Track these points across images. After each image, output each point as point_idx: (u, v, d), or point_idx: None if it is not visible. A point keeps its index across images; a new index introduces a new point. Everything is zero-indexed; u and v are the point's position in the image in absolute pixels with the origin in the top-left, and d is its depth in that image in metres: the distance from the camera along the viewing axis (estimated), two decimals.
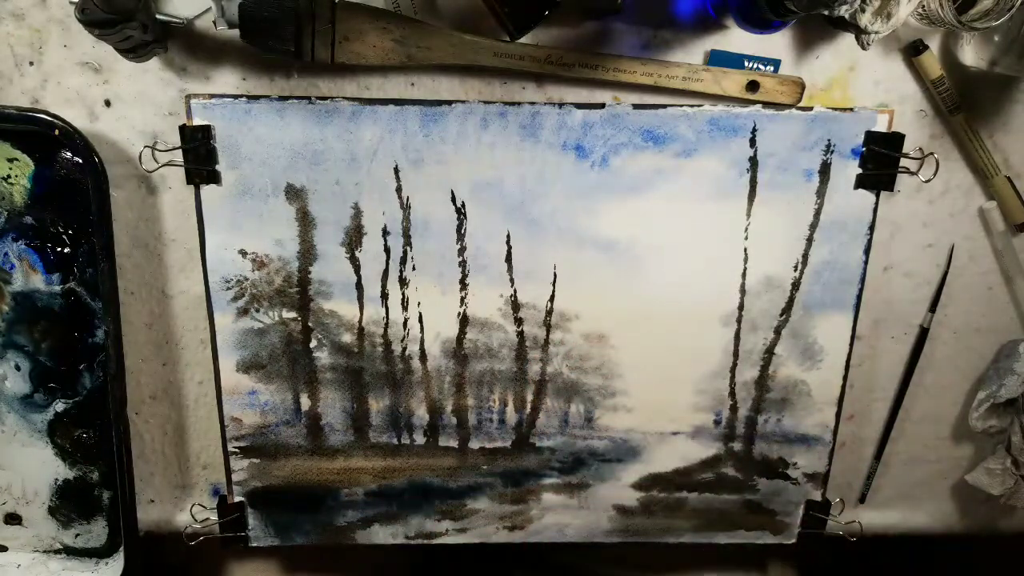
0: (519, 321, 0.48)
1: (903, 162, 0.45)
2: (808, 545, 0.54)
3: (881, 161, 0.45)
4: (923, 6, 0.40)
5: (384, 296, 0.47)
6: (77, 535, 0.51)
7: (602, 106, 0.44)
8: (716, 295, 0.48)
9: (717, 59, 0.44)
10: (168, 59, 0.42)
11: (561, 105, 0.44)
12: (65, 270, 0.46)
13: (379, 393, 0.49)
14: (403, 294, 0.47)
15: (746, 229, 0.46)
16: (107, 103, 0.43)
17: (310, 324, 0.47)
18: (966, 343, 0.52)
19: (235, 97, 0.42)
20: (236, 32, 0.39)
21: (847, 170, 0.45)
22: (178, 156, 0.43)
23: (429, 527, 0.52)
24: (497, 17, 0.37)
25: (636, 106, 0.44)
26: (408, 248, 0.46)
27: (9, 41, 0.42)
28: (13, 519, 0.51)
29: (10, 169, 0.44)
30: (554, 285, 0.47)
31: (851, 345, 0.49)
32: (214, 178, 0.43)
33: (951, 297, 0.50)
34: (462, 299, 0.47)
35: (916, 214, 0.49)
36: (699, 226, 0.46)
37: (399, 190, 0.45)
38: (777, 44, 0.44)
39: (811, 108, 0.44)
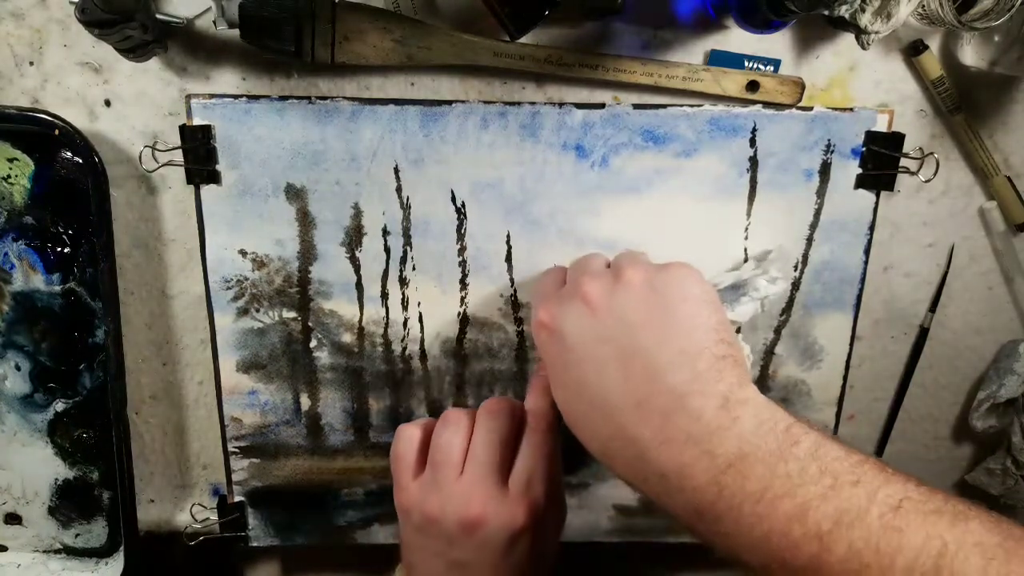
0: (519, 321, 0.48)
1: (903, 162, 0.45)
2: None
3: (881, 161, 0.45)
4: (923, 6, 0.40)
5: (384, 296, 0.47)
6: (77, 535, 0.51)
7: (602, 106, 0.44)
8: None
9: (717, 59, 0.44)
10: (168, 59, 0.42)
11: (561, 105, 0.44)
12: (65, 270, 0.46)
13: (379, 393, 0.49)
14: (403, 294, 0.47)
15: (746, 229, 0.46)
16: (107, 103, 0.43)
17: (310, 324, 0.47)
18: (966, 343, 0.52)
19: (235, 97, 0.42)
20: (236, 32, 0.39)
21: (847, 170, 0.45)
22: (178, 156, 0.43)
23: None
24: (497, 17, 0.37)
25: (636, 106, 0.44)
26: (408, 248, 0.46)
27: (9, 41, 0.42)
28: (13, 519, 0.51)
29: (10, 169, 0.44)
30: None
31: (851, 345, 0.49)
32: (214, 178, 0.43)
33: (951, 297, 0.51)
34: (462, 299, 0.47)
35: (916, 214, 0.49)
36: (699, 226, 0.46)
37: (399, 190, 0.45)
38: (777, 44, 0.44)
39: (811, 108, 0.44)
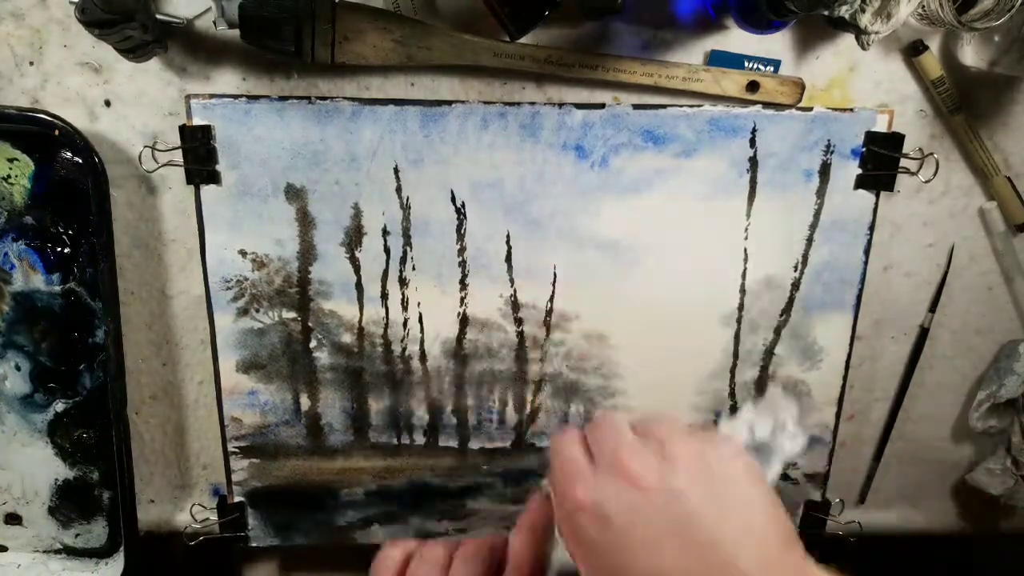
0: (519, 321, 0.48)
1: (903, 162, 0.45)
2: (808, 545, 0.54)
3: (881, 161, 0.45)
4: (923, 6, 0.40)
5: (384, 296, 0.47)
6: (77, 535, 0.51)
7: (602, 106, 0.44)
8: (716, 295, 0.48)
9: (717, 59, 0.44)
10: (168, 59, 0.42)
11: (561, 105, 0.44)
12: (65, 270, 0.46)
13: (379, 393, 0.49)
14: (403, 294, 0.47)
15: (746, 229, 0.46)
16: (107, 103, 0.43)
17: (310, 324, 0.47)
18: (966, 343, 0.52)
19: (235, 97, 0.42)
20: (236, 32, 0.39)
21: (847, 170, 0.45)
22: (178, 156, 0.43)
23: (429, 527, 0.52)
24: (497, 17, 0.37)
25: (636, 106, 0.44)
26: (408, 248, 0.46)
27: (9, 41, 0.42)
28: (13, 519, 0.51)
29: (10, 169, 0.44)
30: (554, 285, 0.47)
31: (851, 345, 0.49)
32: (214, 178, 0.43)
33: (951, 297, 0.50)
34: (462, 299, 0.47)
35: (916, 214, 0.49)
36: (699, 226, 0.46)
37: (399, 190, 0.45)
38: (777, 44, 0.44)
39: (811, 108, 0.44)
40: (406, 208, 0.45)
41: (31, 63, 0.42)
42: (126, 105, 0.43)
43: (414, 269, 0.46)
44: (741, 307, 0.48)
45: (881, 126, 0.45)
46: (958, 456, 0.55)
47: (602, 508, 0.32)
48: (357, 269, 0.46)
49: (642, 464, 0.32)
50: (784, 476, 0.52)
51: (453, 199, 0.45)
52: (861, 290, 0.48)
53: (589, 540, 0.33)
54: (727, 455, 0.33)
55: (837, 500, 0.53)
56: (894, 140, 0.45)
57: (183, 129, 0.43)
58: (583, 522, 0.33)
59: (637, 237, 0.46)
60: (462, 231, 0.46)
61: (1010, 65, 0.44)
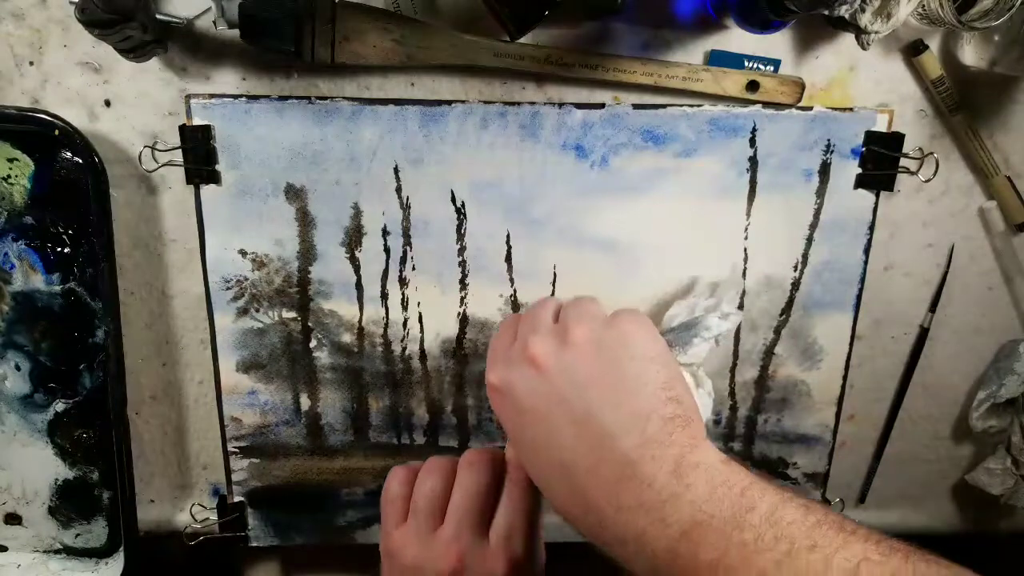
0: None
1: (903, 162, 0.46)
2: None
3: (881, 161, 0.45)
4: (923, 6, 0.40)
5: (384, 296, 0.47)
6: (77, 535, 0.51)
7: (602, 106, 0.44)
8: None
9: (717, 59, 0.44)
10: (168, 59, 0.42)
11: (561, 105, 0.44)
12: (65, 270, 0.46)
13: (379, 393, 0.49)
14: (403, 294, 0.47)
15: (746, 229, 0.46)
16: (107, 103, 0.43)
17: (310, 324, 0.47)
18: (966, 343, 0.52)
19: (235, 97, 0.42)
20: (236, 32, 0.39)
21: (847, 170, 0.45)
22: (178, 156, 0.43)
23: None
24: (497, 17, 0.37)
25: (636, 106, 0.44)
26: (408, 248, 0.46)
27: (9, 41, 0.42)
28: (13, 519, 0.51)
29: (10, 169, 0.44)
30: (554, 285, 0.47)
31: (851, 345, 0.49)
32: (214, 178, 0.44)
33: (951, 297, 0.50)
34: (462, 299, 0.47)
35: (916, 214, 0.49)
36: (699, 226, 0.46)
37: (399, 190, 0.45)
38: (777, 44, 0.44)
39: (811, 108, 0.44)
40: (406, 208, 0.45)
41: (31, 63, 0.42)
42: (126, 105, 0.43)
43: (414, 269, 0.46)
44: (741, 307, 0.48)
45: (881, 126, 0.45)
46: (958, 456, 0.55)
47: (509, 389, 0.36)
48: (357, 269, 0.46)
49: (544, 349, 0.35)
50: (784, 476, 0.52)
51: (453, 199, 0.45)
52: (861, 290, 0.48)
53: (504, 416, 0.37)
54: (624, 336, 0.34)
55: (837, 500, 0.53)
56: (894, 140, 0.45)
57: (183, 129, 0.43)
58: (497, 401, 0.37)
59: (637, 237, 0.46)
60: (462, 231, 0.46)
61: (1010, 65, 0.44)
